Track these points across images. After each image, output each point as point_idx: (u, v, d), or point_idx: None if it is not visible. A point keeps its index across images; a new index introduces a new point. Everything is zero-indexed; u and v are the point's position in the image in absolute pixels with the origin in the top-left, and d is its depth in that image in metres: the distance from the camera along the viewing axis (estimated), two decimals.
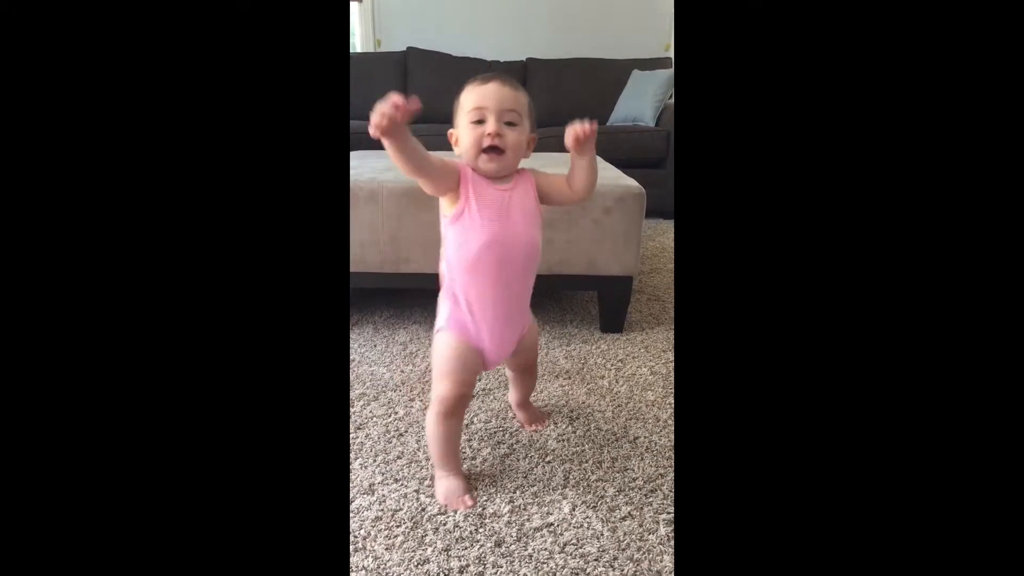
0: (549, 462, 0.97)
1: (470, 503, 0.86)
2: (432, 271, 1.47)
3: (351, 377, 1.27)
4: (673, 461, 0.98)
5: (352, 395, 1.19)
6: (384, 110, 0.67)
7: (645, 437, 1.05)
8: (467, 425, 1.09)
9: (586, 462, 0.98)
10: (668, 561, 0.77)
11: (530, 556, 0.77)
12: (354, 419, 1.10)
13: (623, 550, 0.79)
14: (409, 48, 3.61)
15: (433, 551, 0.78)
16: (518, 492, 0.90)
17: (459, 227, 0.83)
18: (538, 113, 0.95)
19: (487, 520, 0.84)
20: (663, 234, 2.70)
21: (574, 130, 0.79)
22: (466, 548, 0.78)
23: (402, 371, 1.30)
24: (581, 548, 0.79)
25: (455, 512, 0.85)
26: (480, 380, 1.23)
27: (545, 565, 0.76)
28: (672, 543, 0.80)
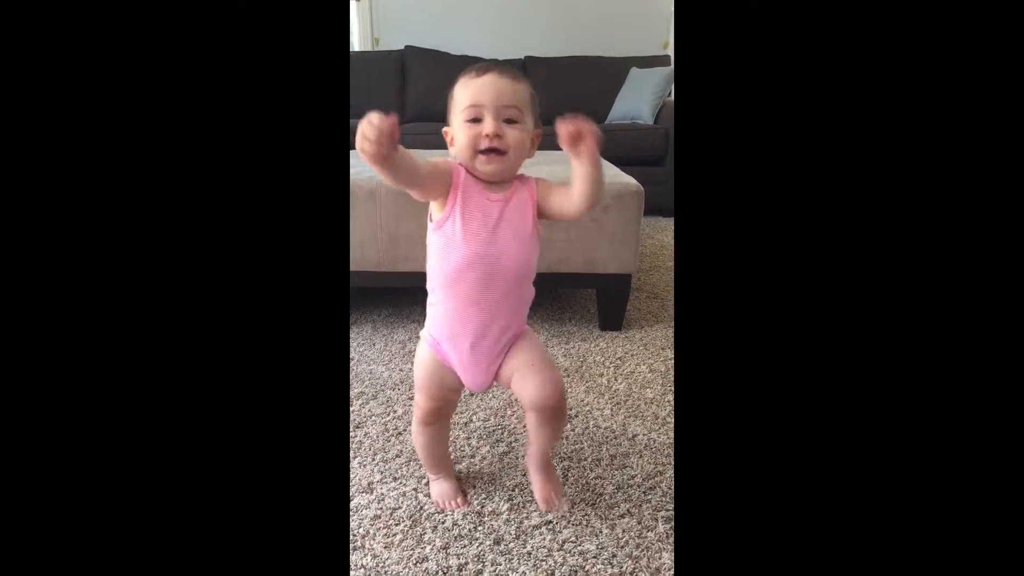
0: None
1: (463, 504, 0.86)
2: None
3: (350, 376, 1.27)
4: (671, 459, 0.98)
5: (351, 394, 1.19)
6: (368, 134, 0.58)
7: (644, 435, 1.05)
8: (466, 423, 1.09)
9: (585, 460, 0.98)
10: (667, 558, 0.77)
11: (528, 554, 0.77)
12: (353, 418, 1.10)
13: (621, 547, 0.79)
14: (407, 47, 3.60)
15: (432, 549, 0.78)
16: (516, 490, 0.90)
17: (441, 236, 0.74)
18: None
19: (486, 518, 0.84)
20: (661, 232, 2.71)
21: (565, 127, 0.65)
22: (465, 546, 0.79)
23: (401, 370, 1.30)
24: (580, 545, 0.79)
25: (453, 510, 0.85)
26: None
27: (544, 563, 0.76)
28: (670, 540, 0.80)
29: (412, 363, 1.33)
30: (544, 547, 0.78)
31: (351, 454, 0.99)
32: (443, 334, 0.78)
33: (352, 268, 1.43)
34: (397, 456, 0.98)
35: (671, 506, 0.87)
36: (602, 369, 1.32)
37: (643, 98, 3.19)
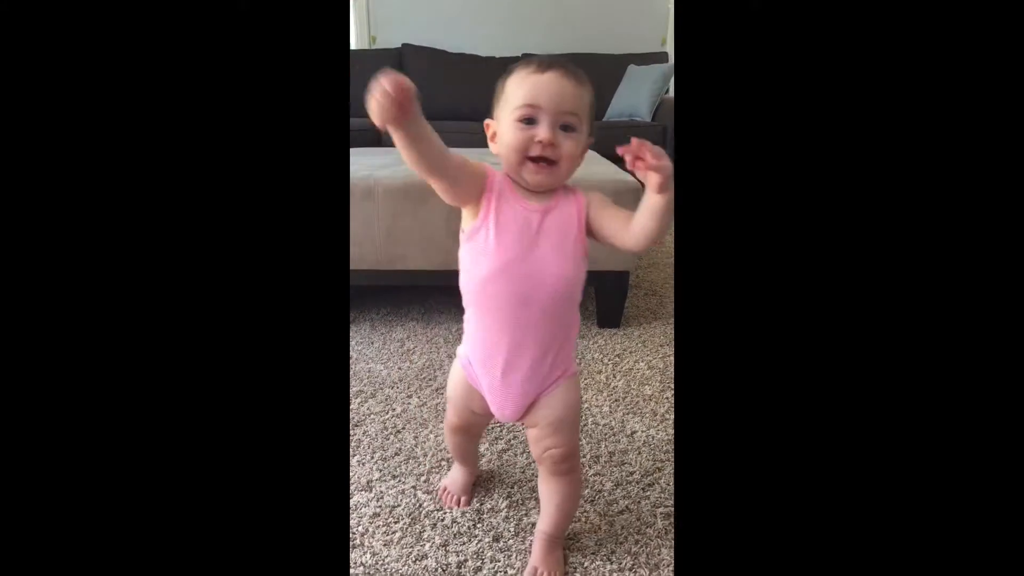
0: None
1: (463, 504, 0.87)
2: (429, 267, 1.47)
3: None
4: (669, 455, 0.98)
5: (349, 392, 1.19)
6: (385, 89, 0.51)
7: (642, 431, 1.06)
8: None
9: (584, 456, 0.98)
10: (666, 554, 0.77)
11: (528, 551, 0.77)
12: (352, 416, 1.10)
13: (620, 543, 0.79)
14: (404, 44, 3.59)
15: (431, 546, 0.78)
16: (516, 487, 0.90)
17: (472, 247, 0.66)
18: None
19: (485, 515, 0.84)
20: None
21: (644, 158, 0.55)
22: (464, 543, 0.79)
23: (399, 368, 1.30)
24: (579, 542, 0.79)
25: (452, 508, 0.86)
26: None
27: None
28: (670, 536, 0.80)
29: (410, 361, 1.33)
30: None
31: (350, 452, 0.99)
32: (476, 356, 0.71)
33: (350, 267, 1.43)
34: (396, 454, 0.98)
35: (670, 502, 0.87)
36: (601, 366, 1.32)
37: (641, 95, 3.19)
